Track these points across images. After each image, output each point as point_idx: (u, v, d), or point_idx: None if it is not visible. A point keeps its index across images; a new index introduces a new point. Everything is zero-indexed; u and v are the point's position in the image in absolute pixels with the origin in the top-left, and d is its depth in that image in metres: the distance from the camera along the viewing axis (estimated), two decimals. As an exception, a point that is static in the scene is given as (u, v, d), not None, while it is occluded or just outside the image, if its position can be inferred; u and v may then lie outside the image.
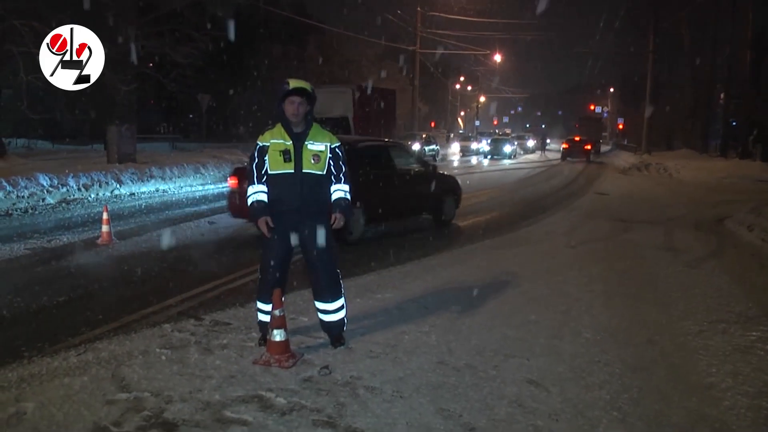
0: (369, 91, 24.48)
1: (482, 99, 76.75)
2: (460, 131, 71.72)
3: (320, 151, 4.58)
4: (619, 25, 46.49)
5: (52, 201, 13.89)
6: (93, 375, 4.22)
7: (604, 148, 50.77)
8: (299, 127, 4.56)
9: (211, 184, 19.05)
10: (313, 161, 4.55)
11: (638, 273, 7.62)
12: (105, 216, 9.22)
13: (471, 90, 77.54)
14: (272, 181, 4.59)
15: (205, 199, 15.09)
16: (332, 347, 4.77)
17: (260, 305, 4.77)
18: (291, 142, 4.53)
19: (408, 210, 10.99)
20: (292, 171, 4.53)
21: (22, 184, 14.87)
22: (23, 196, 13.90)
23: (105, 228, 9.12)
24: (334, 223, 4.67)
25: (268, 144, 4.56)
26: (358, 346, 4.81)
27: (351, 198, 4.76)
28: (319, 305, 4.79)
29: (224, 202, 11.56)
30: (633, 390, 4.12)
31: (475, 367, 4.40)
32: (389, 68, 49.14)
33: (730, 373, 4.45)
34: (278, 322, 4.44)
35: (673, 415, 3.79)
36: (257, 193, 4.60)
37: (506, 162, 35.89)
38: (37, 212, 12.24)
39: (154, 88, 30.92)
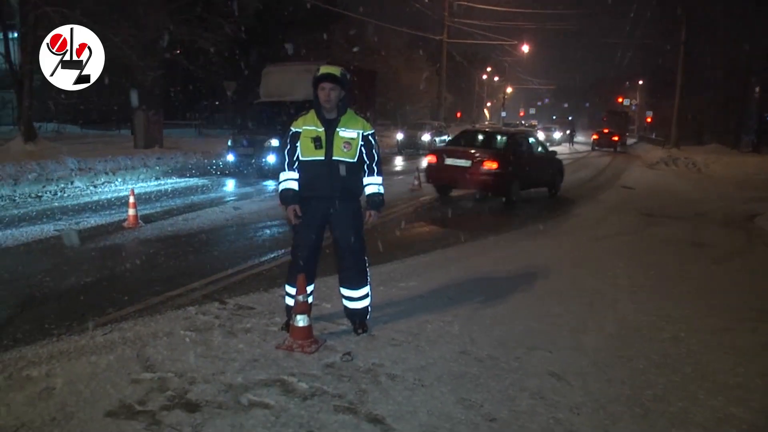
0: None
1: (509, 90, 76.22)
2: (486, 122, 71.29)
3: (351, 139, 4.55)
4: (650, 15, 45.72)
5: (80, 184, 14.06)
6: (119, 354, 4.29)
7: (629, 141, 50.17)
8: (332, 113, 4.53)
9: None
10: (344, 148, 4.52)
11: (664, 268, 7.54)
12: (131, 200, 9.31)
13: (498, 81, 77.05)
14: (303, 168, 4.58)
15: (230, 184, 15.16)
16: (355, 334, 4.78)
17: (288, 289, 4.77)
18: (323, 128, 4.51)
19: (538, 183, 14.03)
20: (323, 158, 4.51)
21: (51, 168, 15.12)
22: (52, 179, 14.12)
23: (131, 211, 9.22)
24: (368, 220, 4.68)
25: (300, 130, 4.56)
26: (381, 333, 4.82)
27: (384, 192, 4.75)
28: (345, 292, 4.80)
29: (248, 189, 13.47)
30: (657, 386, 4.08)
31: (497, 358, 4.38)
32: (415, 58, 48.94)
33: (759, 373, 4.38)
34: (302, 308, 4.47)
35: (698, 413, 3.74)
36: (287, 180, 4.61)
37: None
38: (65, 195, 12.40)
39: (181, 75, 31.14)
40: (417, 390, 3.84)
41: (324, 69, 4.50)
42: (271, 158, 16.07)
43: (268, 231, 9.09)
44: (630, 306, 5.85)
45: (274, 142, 15.90)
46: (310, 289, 4.70)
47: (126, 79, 22.44)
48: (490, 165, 12.07)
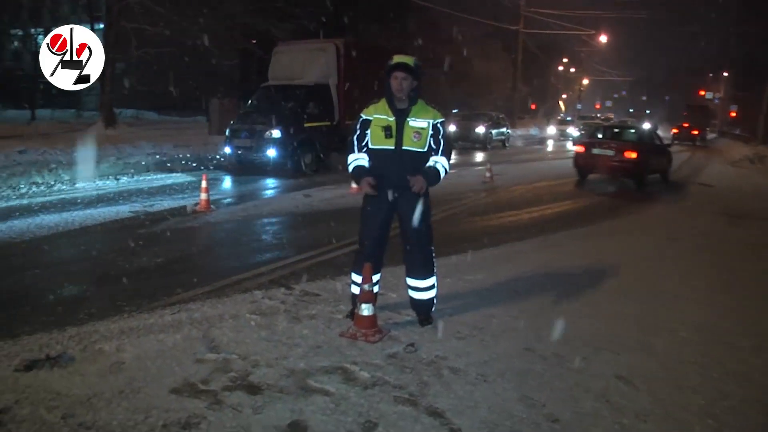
0: (359, 50, 16.38)
1: (585, 81, 74.35)
2: (561, 114, 69.79)
3: (422, 128, 4.50)
4: (737, 1, 43.53)
5: (155, 168, 14.51)
6: (185, 334, 4.39)
7: (710, 136, 48.16)
8: (403, 103, 4.48)
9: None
10: (414, 138, 4.48)
11: (745, 272, 7.18)
12: (204, 184, 9.54)
13: (574, 72, 75.28)
14: (372, 156, 4.57)
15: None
16: (419, 326, 4.74)
17: (354, 277, 4.77)
18: (393, 118, 4.47)
19: (657, 170, 15.83)
20: (393, 147, 4.48)
21: (129, 151, 15.70)
22: (130, 163, 14.64)
23: (203, 196, 9.45)
24: (414, 186, 4.49)
25: (371, 118, 4.53)
26: (446, 326, 4.76)
27: (447, 172, 4.64)
28: (411, 282, 4.77)
29: (319, 178, 13.90)
30: (733, 398, 3.84)
31: (563, 357, 4.26)
32: (491, 48, 48.32)
33: None
34: (367, 297, 4.46)
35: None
36: (357, 159, 4.59)
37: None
38: (141, 178, 12.80)
39: (257, 64, 31.68)
40: (479, 385, 3.78)
41: (397, 58, 4.45)
42: (271, 152, 14.21)
43: (337, 219, 9.14)
44: (706, 310, 5.58)
45: (275, 133, 14.11)
46: (376, 278, 4.68)
47: (203, 68, 23.01)
48: (630, 154, 14.35)
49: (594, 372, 4.06)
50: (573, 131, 36.39)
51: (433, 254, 4.79)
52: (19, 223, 7.93)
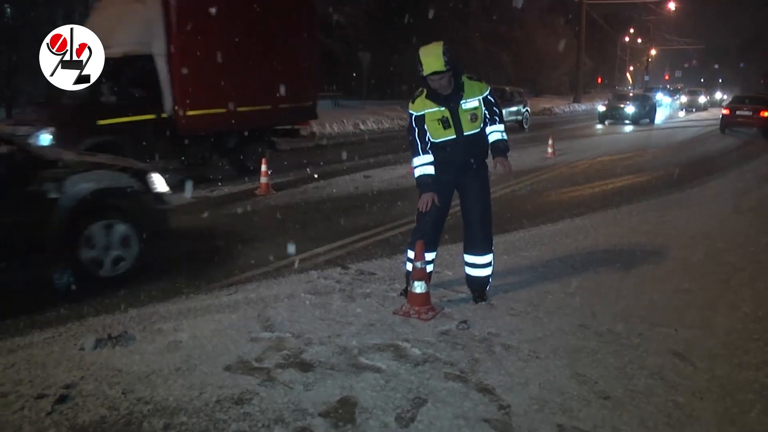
0: None
1: (653, 52, 71.62)
2: (628, 87, 67.57)
3: (475, 108, 4.45)
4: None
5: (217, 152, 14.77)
6: (241, 314, 4.51)
7: None
8: (448, 90, 4.41)
9: (369, 139, 19.37)
10: (471, 120, 4.44)
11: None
12: (263, 168, 9.71)
13: (641, 43, 72.64)
14: (435, 149, 4.53)
15: (363, 153, 15.28)
16: (473, 303, 4.73)
17: (409, 254, 4.76)
18: (445, 107, 4.41)
19: None
20: (454, 136, 4.46)
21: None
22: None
23: (263, 179, 9.63)
24: (496, 168, 4.55)
25: (423, 113, 4.47)
26: (500, 303, 4.74)
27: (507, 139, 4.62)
28: (469, 258, 4.74)
29: (380, 158, 13.79)
30: (798, 376, 3.67)
31: (618, 334, 4.17)
32: (554, 22, 47.17)
33: None
34: (419, 274, 4.47)
35: None
36: (424, 165, 4.52)
37: (680, 117, 33.24)
38: (204, 164, 13.04)
39: (318, 48, 31.84)
40: (531, 362, 3.75)
41: (427, 66, 4.21)
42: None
43: (396, 199, 9.16)
44: (773, 285, 5.34)
45: (45, 137, 8.69)
46: (430, 256, 4.69)
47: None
48: (764, 113, 21.56)
49: (650, 349, 3.95)
50: (600, 106, 30.72)
51: (491, 231, 4.76)
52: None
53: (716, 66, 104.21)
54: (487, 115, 4.53)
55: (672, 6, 50.91)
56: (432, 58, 4.20)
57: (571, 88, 48.21)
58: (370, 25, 29.19)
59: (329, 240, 6.71)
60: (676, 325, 4.35)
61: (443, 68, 4.21)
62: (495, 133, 4.58)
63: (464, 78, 4.47)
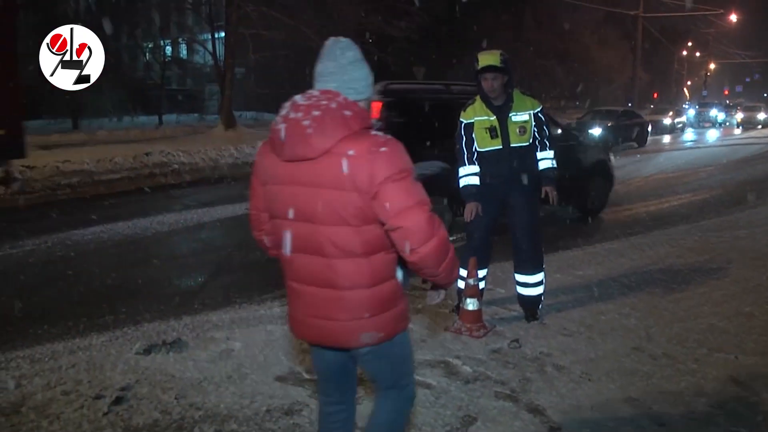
0: None
1: (711, 66, 69.56)
2: (686, 103, 65.83)
3: (525, 122, 4.46)
4: None
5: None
6: (293, 326, 4.54)
7: None
8: (499, 100, 4.43)
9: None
10: (519, 133, 4.43)
11: None
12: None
13: (699, 56, 70.74)
14: (481, 158, 4.53)
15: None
16: (525, 321, 4.67)
17: (461, 271, 4.72)
18: (495, 116, 4.42)
19: None
20: (500, 147, 4.45)
21: (247, 152, 16.43)
22: (248, 162, 15.29)
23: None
24: (545, 197, 4.56)
25: (472, 121, 4.49)
26: (552, 322, 4.67)
27: (557, 165, 4.60)
28: (519, 278, 4.70)
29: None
30: None
31: (674, 358, 4.05)
32: (608, 35, 46.48)
33: None
34: (471, 291, 4.45)
35: None
36: (469, 176, 4.53)
37: (735, 135, 32.20)
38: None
39: (372, 62, 32.11)
40: (583, 383, 3.67)
41: (483, 60, 4.32)
42: None
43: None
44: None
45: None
46: (482, 273, 4.66)
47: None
48: None
49: (708, 375, 3.81)
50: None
51: (542, 249, 4.71)
52: (141, 221, 8.48)
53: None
54: (537, 134, 4.52)
55: (734, 18, 49.14)
56: (489, 56, 4.29)
57: (626, 103, 47.36)
58: (424, 39, 29.24)
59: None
60: (737, 351, 4.19)
61: (498, 64, 4.26)
62: (545, 160, 4.56)
63: (516, 91, 4.49)
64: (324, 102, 2.05)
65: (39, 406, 3.40)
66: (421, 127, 7.19)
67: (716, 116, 40.26)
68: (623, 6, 39.50)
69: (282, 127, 2.05)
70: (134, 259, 6.65)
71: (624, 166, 15.37)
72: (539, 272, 4.66)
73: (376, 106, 6.81)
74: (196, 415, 3.28)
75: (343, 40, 2.26)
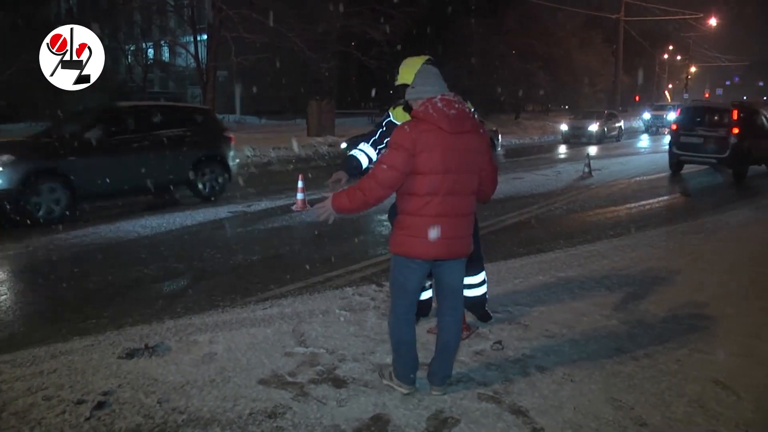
0: None
1: (692, 69, 70.16)
2: (668, 106, 66.17)
3: None
4: None
5: (255, 170, 15.01)
6: (276, 328, 4.55)
7: None
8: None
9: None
10: None
11: None
12: (300, 184, 9.79)
13: (680, 60, 71.37)
14: None
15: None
16: (481, 321, 4.66)
17: None
18: None
19: None
20: None
21: (231, 155, 16.29)
22: (232, 165, 15.19)
23: (300, 195, 9.71)
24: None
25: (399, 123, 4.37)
26: (535, 324, 4.69)
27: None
28: (465, 280, 4.65)
29: None
30: None
31: (656, 359, 4.08)
32: (590, 39, 46.75)
33: None
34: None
35: None
36: (361, 153, 4.39)
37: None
38: (241, 180, 13.20)
39: (355, 66, 32.15)
40: (565, 385, 3.70)
41: (399, 77, 4.15)
42: None
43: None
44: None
45: None
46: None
47: (301, 72, 23.58)
48: None
49: (689, 376, 3.85)
50: (563, 125, 29.26)
51: (481, 249, 4.65)
52: (125, 224, 8.43)
53: (761, 83, 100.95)
54: None
55: (713, 22, 49.55)
56: (408, 70, 4.07)
57: (607, 106, 47.71)
58: (407, 43, 29.34)
59: (364, 257, 6.73)
60: (718, 351, 4.23)
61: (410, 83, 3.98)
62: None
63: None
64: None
65: (20, 411, 3.36)
66: None
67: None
68: (605, 10, 39.77)
69: None
70: (117, 262, 6.61)
71: (605, 170, 15.51)
72: (481, 271, 4.63)
73: None
74: (179, 419, 3.26)
75: None
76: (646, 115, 38.18)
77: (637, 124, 39.02)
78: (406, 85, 3.90)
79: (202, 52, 23.10)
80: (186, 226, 8.47)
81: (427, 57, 4.21)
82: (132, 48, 34.32)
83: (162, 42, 36.98)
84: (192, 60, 24.55)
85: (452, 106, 3.28)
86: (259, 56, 21.08)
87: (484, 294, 4.71)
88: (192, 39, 23.93)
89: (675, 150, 14.67)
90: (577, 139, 26.82)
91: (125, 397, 3.49)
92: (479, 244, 4.68)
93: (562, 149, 23.89)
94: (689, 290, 5.63)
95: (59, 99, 19.76)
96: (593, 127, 26.78)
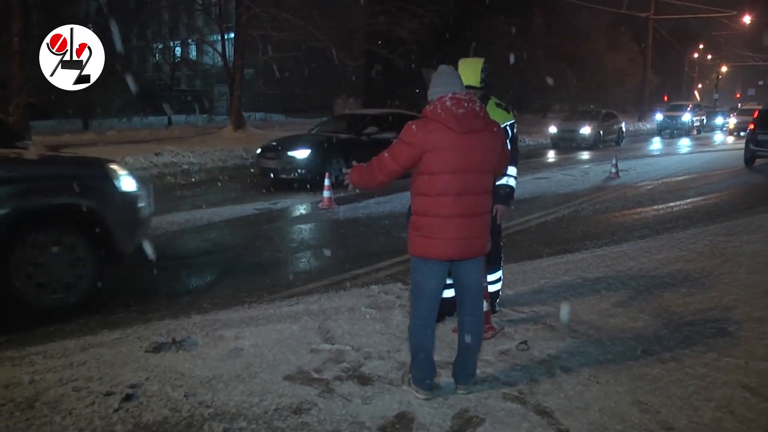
0: None
1: (723, 69, 68.83)
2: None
3: None
4: None
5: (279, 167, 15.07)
6: (302, 325, 4.59)
7: None
8: None
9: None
10: None
11: None
12: (327, 182, 9.84)
13: (711, 59, 70.17)
14: None
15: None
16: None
17: None
18: None
19: None
20: None
21: (254, 152, 16.45)
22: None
23: (326, 193, 9.75)
24: (495, 215, 4.33)
25: None
26: (561, 325, 4.66)
27: (515, 185, 4.51)
28: None
29: None
30: None
31: (683, 362, 4.03)
32: (618, 38, 46.20)
33: None
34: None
35: None
36: None
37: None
38: (267, 177, 13.27)
39: (382, 63, 32.18)
40: (591, 386, 3.67)
41: (463, 78, 4.03)
42: None
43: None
44: None
45: None
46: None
47: (327, 70, 23.69)
48: None
49: (717, 380, 3.79)
50: (552, 127, 25.61)
51: (501, 248, 4.76)
52: (152, 220, 8.50)
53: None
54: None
55: (747, 20, 48.30)
56: (470, 72, 4.15)
57: (636, 106, 47.03)
58: (433, 41, 29.24)
59: (390, 255, 6.73)
60: (747, 356, 4.16)
61: (478, 85, 4.19)
62: (507, 178, 4.43)
63: (492, 101, 4.38)
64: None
65: (52, 401, 3.44)
66: None
67: (690, 122, 32.87)
68: (634, 8, 39.24)
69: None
70: (143, 259, 6.68)
71: (632, 171, 15.35)
72: (498, 270, 4.75)
73: None
74: (206, 412, 3.31)
75: None
76: (659, 116, 34.33)
77: (652, 125, 37.48)
78: (471, 87, 4.04)
79: (229, 51, 23.33)
80: (211, 222, 8.55)
81: (482, 59, 4.29)
82: (160, 46, 34.76)
83: (189, 40, 37.44)
84: (219, 58, 24.81)
85: (461, 105, 3.26)
86: (285, 54, 21.22)
87: (497, 291, 4.80)
88: (219, 37, 24.17)
89: (752, 146, 16.32)
90: (567, 143, 23.82)
91: (152, 390, 3.55)
92: (499, 244, 4.69)
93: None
94: (717, 293, 5.54)
95: (89, 97, 20.07)
96: (585, 130, 23.57)
